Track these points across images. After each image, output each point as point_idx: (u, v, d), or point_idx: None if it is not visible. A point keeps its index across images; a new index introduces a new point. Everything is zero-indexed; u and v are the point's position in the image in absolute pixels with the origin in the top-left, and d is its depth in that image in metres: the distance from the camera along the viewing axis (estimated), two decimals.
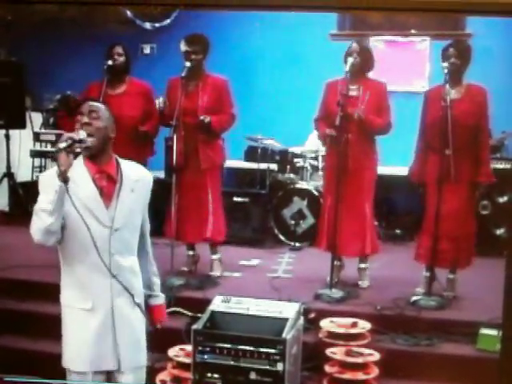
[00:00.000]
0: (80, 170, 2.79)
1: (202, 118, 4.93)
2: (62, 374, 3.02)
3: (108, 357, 2.86)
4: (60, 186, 2.62)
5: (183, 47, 4.99)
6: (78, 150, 2.69)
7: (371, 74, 5.10)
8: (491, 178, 4.74)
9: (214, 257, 5.30)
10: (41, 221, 2.67)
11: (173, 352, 4.02)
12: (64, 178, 2.62)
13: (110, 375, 2.93)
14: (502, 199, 6.04)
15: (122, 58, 5.09)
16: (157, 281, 3.15)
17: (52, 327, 4.50)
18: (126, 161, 2.96)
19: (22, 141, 6.97)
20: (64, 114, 5.30)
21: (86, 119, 2.79)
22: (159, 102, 4.97)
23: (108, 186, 2.83)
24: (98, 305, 2.82)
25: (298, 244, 6.41)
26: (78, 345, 2.85)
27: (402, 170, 5.53)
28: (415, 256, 4.90)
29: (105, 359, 2.86)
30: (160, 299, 3.17)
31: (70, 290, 2.86)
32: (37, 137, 7.12)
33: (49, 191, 2.66)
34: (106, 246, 2.79)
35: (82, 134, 2.73)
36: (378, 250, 5.16)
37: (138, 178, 2.91)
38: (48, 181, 2.71)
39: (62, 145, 2.62)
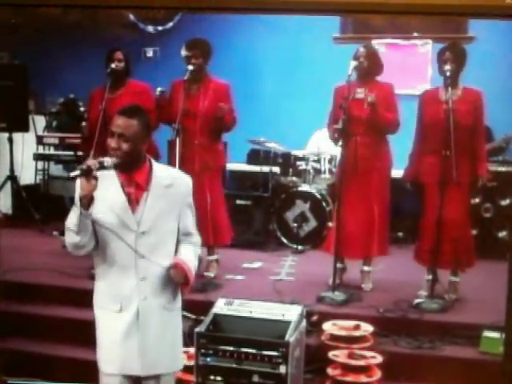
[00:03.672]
0: (110, 176, 2.81)
1: (221, 104, 4.95)
2: (64, 375, 3.03)
3: (133, 360, 2.85)
4: (81, 212, 2.66)
5: (183, 52, 5.07)
6: (99, 173, 2.67)
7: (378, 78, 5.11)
8: (488, 174, 4.79)
9: (211, 258, 5.31)
10: (69, 237, 2.77)
11: None
12: (85, 203, 2.65)
13: (136, 382, 2.91)
14: (505, 202, 6.04)
15: (122, 64, 5.12)
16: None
17: (54, 329, 4.57)
18: (160, 165, 2.97)
19: (25, 144, 6.99)
20: (84, 138, 5.35)
21: (114, 144, 2.77)
22: (156, 91, 4.97)
23: (136, 193, 2.85)
24: (125, 307, 2.84)
25: (300, 247, 6.39)
26: (109, 346, 2.88)
27: None
28: (414, 257, 4.92)
29: (130, 362, 2.85)
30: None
31: (102, 293, 2.90)
32: (40, 140, 7.13)
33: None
34: (133, 249, 2.82)
35: (106, 162, 2.73)
36: (385, 253, 5.13)
37: (170, 183, 2.89)
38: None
39: (75, 173, 2.64)
